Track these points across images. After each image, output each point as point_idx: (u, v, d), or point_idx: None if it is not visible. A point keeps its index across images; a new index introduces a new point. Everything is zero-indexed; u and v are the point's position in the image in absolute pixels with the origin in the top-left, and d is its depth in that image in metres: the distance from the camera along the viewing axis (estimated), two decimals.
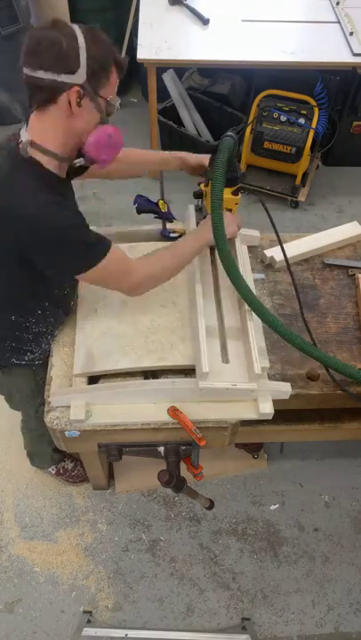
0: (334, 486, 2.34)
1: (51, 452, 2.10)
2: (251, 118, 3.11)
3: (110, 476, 2.30)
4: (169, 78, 3.43)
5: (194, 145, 3.37)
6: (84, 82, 1.13)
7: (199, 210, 1.74)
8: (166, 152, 1.70)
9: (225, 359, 1.50)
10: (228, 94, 3.51)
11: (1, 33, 3.26)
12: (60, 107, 1.16)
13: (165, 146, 3.58)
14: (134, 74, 3.98)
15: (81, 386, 1.49)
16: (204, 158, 1.60)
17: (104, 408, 1.49)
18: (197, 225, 1.70)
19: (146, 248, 1.74)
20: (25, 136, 1.20)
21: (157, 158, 1.70)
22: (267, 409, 1.47)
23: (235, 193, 1.51)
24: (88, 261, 1.27)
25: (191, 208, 1.80)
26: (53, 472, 2.24)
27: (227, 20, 2.96)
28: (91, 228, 1.28)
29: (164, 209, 1.81)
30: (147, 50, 2.78)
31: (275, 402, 1.48)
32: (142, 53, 2.78)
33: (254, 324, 1.50)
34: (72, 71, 1.12)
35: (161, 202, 1.78)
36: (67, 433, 1.48)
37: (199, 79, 3.57)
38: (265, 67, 2.87)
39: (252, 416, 1.49)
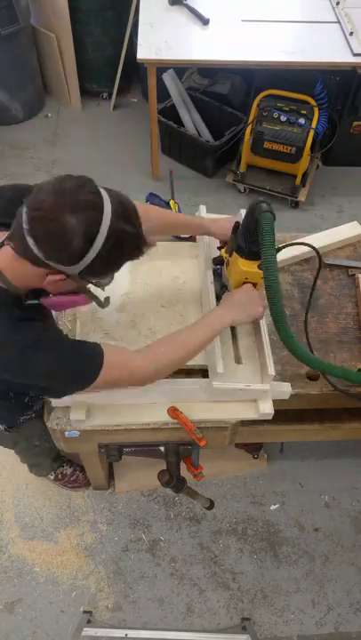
0: (334, 486, 2.34)
1: (50, 461, 2.11)
2: (251, 118, 3.11)
3: (110, 476, 2.30)
4: (169, 78, 3.43)
5: (194, 145, 3.37)
6: (73, 274, 1.02)
7: (218, 276, 1.57)
8: (189, 217, 1.57)
9: (238, 360, 1.50)
10: (228, 94, 3.51)
11: (1, 33, 3.25)
12: (37, 271, 1.03)
13: (165, 146, 3.59)
14: (134, 74, 3.98)
15: None
16: (226, 226, 1.47)
17: (104, 408, 1.49)
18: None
19: (163, 246, 1.74)
20: None
21: (180, 222, 1.56)
22: (267, 409, 1.47)
23: (261, 267, 1.29)
24: (83, 385, 1.19)
25: (203, 208, 1.73)
26: (52, 477, 2.24)
27: (227, 20, 2.96)
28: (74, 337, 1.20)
29: (175, 208, 1.80)
30: (147, 50, 2.78)
31: (275, 402, 1.48)
32: (142, 53, 2.77)
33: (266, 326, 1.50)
34: (66, 264, 1.00)
35: (172, 201, 1.78)
36: (67, 433, 1.48)
37: (199, 79, 3.57)
38: (265, 67, 2.86)
39: (252, 416, 1.49)
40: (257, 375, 1.47)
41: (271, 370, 1.41)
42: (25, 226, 0.97)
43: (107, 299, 1.18)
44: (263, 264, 1.19)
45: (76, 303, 1.17)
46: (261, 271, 1.28)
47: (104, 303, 1.17)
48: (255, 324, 1.53)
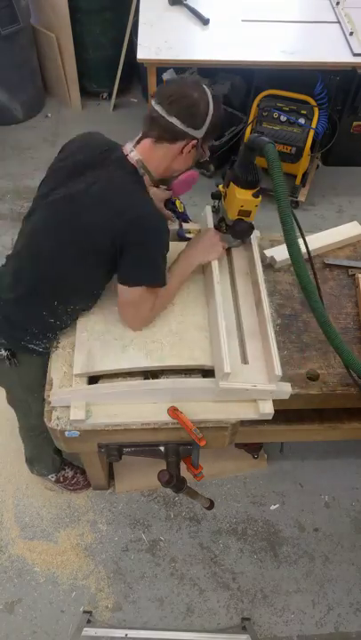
0: (334, 486, 2.34)
1: (52, 454, 2.09)
2: (251, 118, 3.11)
3: (110, 476, 2.30)
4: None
5: None
6: (201, 137, 1.40)
7: (216, 211, 1.73)
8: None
9: (244, 360, 1.50)
10: (228, 94, 3.51)
11: (1, 33, 3.25)
12: (175, 148, 1.41)
13: None
14: (134, 74, 3.98)
15: (81, 386, 1.49)
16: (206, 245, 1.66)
17: (104, 408, 1.49)
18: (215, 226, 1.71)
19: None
20: (135, 154, 1.42)
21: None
22: (267, 409, 1.47)
23: (255, 195, 1.50)
24: (151, 279, 1.45)
25: (208, 209, 1.78)
26: (53, 479, 2.23)
27: (227, 20, 2.96)
28: None
29: (180, 209, 1.82)
30: (147, 50, 2.78)
31: (275, 402, 1.48)
32: (142, 53, 2.77)
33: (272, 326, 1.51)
34: (198, 127, 1.38)
35: (178, 202, 1.78)
36: (67, 433, 1.48)
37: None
38: (265, 67, 2.86)
39: (252, 416, 1.49)
40: (263, 375, 1.47)
41: (278, 370, 1.42)
42: (164, 113, 1.36)
43: (208, 162, 1.61)
44: (275, 190, 1.35)
45: (194, 176, 1.54)
46: (256, 199, 1.51)
47: (209, 168, 1.71)
48: (262, 324, 1.54)
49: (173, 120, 1.36)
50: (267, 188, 1.48)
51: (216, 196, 1.67)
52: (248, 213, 1.56)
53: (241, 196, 1.49)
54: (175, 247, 1.76)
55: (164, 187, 1.54)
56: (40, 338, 1.56)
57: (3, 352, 1.60)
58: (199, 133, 1.39)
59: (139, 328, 1.57)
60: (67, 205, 1.41)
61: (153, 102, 1.39)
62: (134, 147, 1.44)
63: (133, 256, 1.40)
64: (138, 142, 1.44)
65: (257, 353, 1.52)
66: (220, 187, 1.63)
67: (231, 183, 1.52)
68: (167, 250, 1.45)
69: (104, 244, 1.38)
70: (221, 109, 1.43)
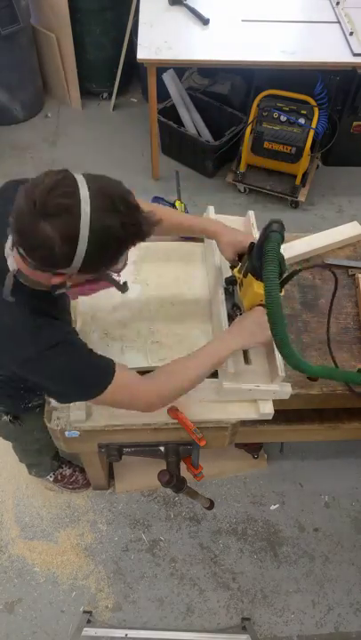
0: (334, 486, 2.34)
1: (50, 459, 2.10)
2: (251, 118, 3.11)
3: (110, 475, 2.30)
4: (169, 78, 3.43)
5: (194, 145, 3.37)
6: (74, 273, 1.00)
7: (230, 294, 1.55)
8: (194, 221, 1.50)
9: (247, 360, 1.50)
10: (228, 94, 3.51)
11: (1, 33, 3.25)
12: (46, 275, 1.03)
13: (165, 146, 3.58)
14: (134, 74, 3.98)
15: None
16: (239, 240, 1.43)
17: (104, 408, 1.48)
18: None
19: (162, 247, 1.74)
20: (12, 262, 1.06)
21: (185, 225, 1.50)
22: (267, 409, 1.47)
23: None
24: (87, 396, 1.23)
25: (210, 209, 1.72)
26: (51, 479, 2.24)
27: (227, 20, 2.96)
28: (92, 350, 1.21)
29: (181, 209, 1.78)
30: (147, 50, 2.78)
31: (275, 402, 1.48)
32: (142, 53, 2.77)
33: None
34: (59, 267, 0.99)
35: (178, 202, 1.75)
36: (67, 433, 1.48)
37: (199, 79, 3.57)
38: (265, 67, 2.86)
39: (253, 416, 1.49)
40: (266, 375, 1.47)
41: (281, 371, 1.42)
42: (14, 237, 0.98)
43: (125, 284, 1.15)
44: (264, 284, 1.15)
45: (97, 290, 1.16)
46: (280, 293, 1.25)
47: (123, 288, 1.15)
48: None
49: (20, 251, 0.98)
50: (286, 278, 1.30)
51: (230, 282, 1.50)
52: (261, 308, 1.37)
53: (261, 290, 1.25)
54: (178, 247, 1.76)
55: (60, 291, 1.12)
56: (36, 396, 1.56)
57: (5, 417, 1.62)
58: (68, 271, 0.99)
59: (151, 411, 1.32)
60: None
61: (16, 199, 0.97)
62: (12, 248, 1.04)
63: (49, 390, 1.28)
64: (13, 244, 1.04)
65: (260, 353, 1.52)
66: (236, 271, 1.45)
67: (249, 275, 1.32)
68: (75, 361, 1.16)
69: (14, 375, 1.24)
70: (113, 227, 0.96)
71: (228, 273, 1.55)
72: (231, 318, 1.50)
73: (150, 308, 1.63)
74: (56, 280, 1.02)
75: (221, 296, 1.54)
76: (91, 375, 1.19)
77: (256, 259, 1.25)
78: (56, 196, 0.92)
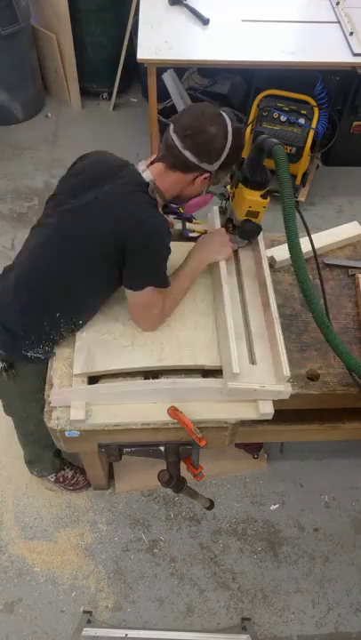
0: (334, 486, 2.34)
1: (51, 456, 2.09)
2: (251, 118, 3.11)
3: (110, 476, 2.30)
4: (169, 78, 3.42)
5: None
6: (214, 170, 1.41)
7: (223, 211, 1.73)
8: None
9: (252, 360, 1.50)
10: (228, 94, 3.51)
11: (1, 33, 3.25)
12: (187, 177, 1.42)
13: None
14: (134, 74, 3.98)
15: (81, 386, 1.49)
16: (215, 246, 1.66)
17: (104, 408, 1.49)
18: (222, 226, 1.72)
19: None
20: (148, 174, 1.43)
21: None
22: (267, 409, 1.47)
23: (263, 196, 1.50)
24: (156, 280, 1.46)
25: (215, 209, 1.78)
26: (52, 480, 2.23)
27: (227, 20, 2.96)
28: None
29: (182, 209, 1.81)
30: (147, 50, 2.78)
31: (275, 402, 1.49)
32: (142, 53, 2.77)
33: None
34: (212, 162, 1.39)
35: None
36: (67, 433, 1.48)
37: (199, 79, 3.57)
38: (265, 67, 2.86)
39: (253, 416, 1.49)
40: (270, 375, 1.47)
41: (286, 371, 1.42)
42: (179, 145, 1.36)
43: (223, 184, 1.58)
44: (282, 196, 1.37)
45: (207, 201, 1.56)
46: (265, 200, 1.51)
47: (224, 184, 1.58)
48: (269, 325, 1.54)
49: (187, 154, 1.37)
50: (272, 189, 1.49)
51: (223, 196, 1.66)
52: (256, 214, 1.56)
53: (250, 197, 1.50)
54: (180, 247, 1.76)
55: (176, 206, 1.58)
56: (39, 346, 1.55)
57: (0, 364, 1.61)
58: (213, 167, 1.40)
59: (152, 329, 1.58)
60: (73, 216, 1.43)
61: (170, 129, 1.39)
62: (147, 167, 1.45)
63: (137, 259, 1.41)
64: (152, 163, 1.45)
65: (264, 353, 1.52)
66: (228, 187, 1.62)
67: (240, 184, 1.51)
68: (169, 253, 1.45)
69: (107, 249, 1.39)
70: (242, 140, 1.44)
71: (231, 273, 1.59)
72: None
73: None
74: (200, 179, 1.42)
75: (217, 211, 1.76)
76: (164, 269, 1.48)
77: (247, 169, 1.48)
78: (212, 108, 1.40)
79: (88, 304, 1.56)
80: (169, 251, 1.45)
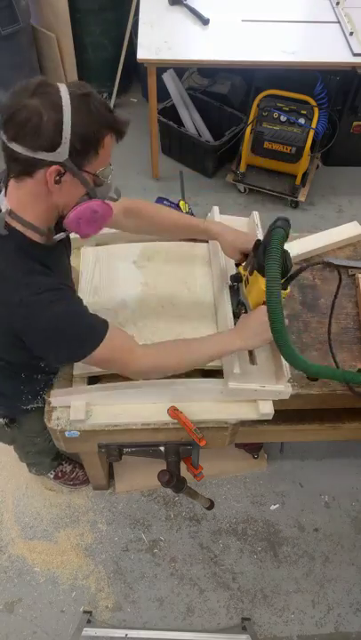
0: (334, 486, 2.34)
1: (50, 460, 2.10)
2: (251, 118, 3.11)
3: (110, 475, 2.30)
4: (169, 78, 3.43)
5: (194, 145, 3.37)
6: (65, 160, 1.01)
7: (235, 292, 1.56)
8: (200, 221, 1.51)
9: (252, 361, 1.50)
10: (228, 94, 3.51)
11: (1, 33, 3.25)
12: (37, 181, 1.04)
13: (165, 146, 3.58)
14: (134, 74, 3.98)
15: (81, 386, 1.49)
16: (242, 241, 1.45)
17: (104, 408, 1.49)
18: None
19: (164, 247, 1.74)
20: (4, 204, 1.10)
21: (183, 225, 1.51)
22: (267, 409, 1.47)
23: (283, 287, 1.25)
24: (79, 353, 1.21)
25: (215, 209, 1.74)
26: (52, 476, 2.24)
27: (227, 20, 2.96)
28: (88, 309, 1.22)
29: (185, 209, 1.78)
30: (147, 50, 2.78)
31: (275, 402, 1.49)
32: (142, 53, 2.77)
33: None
34: (51, 148, 0.99)
35: (182, 202, 1.74)
36: (67, 433, 1.48)
37: (199, 79, 3.57)
38: (265, 67, 2.86)
39: (253, 416, 1.49)
40: (271, 376, 1.47)
41: (287, 371, 1.42)
42: (4, 137, 1.00)
43: (116, 189, 1.16)
44: (266, 279, 1.17)
45: (94, 210, 1.12)
46: (284, 291, 1.27)
47: (116, 195, 1.16)
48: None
49: (13, 146, 1.00)
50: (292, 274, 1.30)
51: (236, 278, 1.51)
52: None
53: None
54: (180, 247, 1.76)
55: (63, 235, 1.18)
56: (35, 399, 1.54)
57: (1, 420, 1.61)
58: (59, 155, 1.00)
59: (140, 379, 1.39)
60: None
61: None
62: (4, 196, 1.11)
63: (41, 346, 1.19)
64: (6, 186, 1.11)
65: (265, 354, 1.52)
66: (241, 268, 1.46)
67: (255, 272, 1.33)
68: (68, 315, 1.15)
69: (7, 333, 1.17)
70: (94, 106, 1.01)
71: (233, 272, 1.56)
72: (236, 316, 1.49)
73: (151, 307, 1.63)
74: (51, 171, 1.01)
75: (226, 295, 1.54)
76: (86, 328, 1.19)
77: (262, 256, 1.25)
78: (36, 78, 1.02)
79: (40, 366, 1.41)
80: (69, 308, 1.16)
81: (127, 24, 3.44)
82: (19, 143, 0.99)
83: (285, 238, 1.19)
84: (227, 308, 1.51)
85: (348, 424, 1.76)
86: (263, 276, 1.26)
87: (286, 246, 1.29)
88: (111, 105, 4.31)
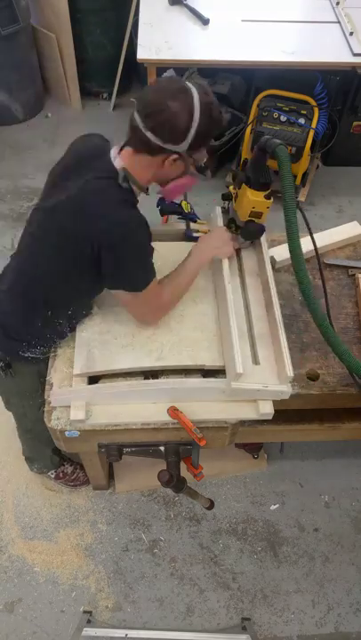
0: (334, 486, 2.34)
1: (50, 453, 2.09)
2: (251, 118, 3.11)
3: (110, 476, 2.30)
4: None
5: None
6: (183, 151, 1.30)
7: (226, 212, 1.72)
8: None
9: (255, 360, 1.50)
10: (228, 94, 3.50)
11: (1, 33, 3.25)
12: (155, 160, 1.32)
13: None
14: (134, 74, 3.98)
15: (81, 386, 1.49)
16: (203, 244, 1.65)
17: (104, 408, 1.49)
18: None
19: (169, 247, 1.74)
20: (118, 161, 1.35)
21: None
22: (267, 409, 1.47)
23: (267, 197, 1.49)
24: (139, 282, 1.41)
25: (218, 209, 1.78)
26: (53, 476, 2.24)
27: (227, 20, 2.96)
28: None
29: (187, 209, 1.81)
30: (147, 50, 2.78)
31: (275, 402, 1.49)
32: (142, 53, 2.77)
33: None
34: (177, 142, 1.27)
35: (184, 202, 1.77)
36: (67, 433, 1.48)
37: (199, 79, 3.56)
38: (265, 67, 2.86)
39: (253, 416, 1.49)
40: (273, 376, 1.47)
41: (290, 371, 1.42)
42: (141, 125, 1.25)
43: (205, 167, 1.47)
44: (283, 194, 1.35)
45: (187, 183, 1.44)
46: (268, 200, 1.49)
47: (206, 174, 1.49)
48: (273, 325, 1.54)
49: (149, 135, 1.26)
50: (275, 190, 1.47)
51: (226, 196, 1.65)
52: (259, 215, 1.55)
53: (253, 198, 1.49)
54: (183, 247, 1.76)
55: (157, 192, 1.49)
56: (37, 346, 1.56)
57: None
58: (180, 148, 1.29)
59: (153, 323, 1.57)
60: (51, 216, 1.40)
61: (134, 109, 1.29)
62: (118, 153, 1.37)
63: (117, 262, 1.36)
64: (122, 149, 1.37)
65: (267, 354, 1.52)
66: (231, 187, 1.61)
67: (243, 185, 1.50)
68: (148, 249, 1.40)
69: (84, 251, 1.34)
70: (214, 115, 1.29)
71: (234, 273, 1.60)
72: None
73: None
74: (169, 161, 1.30)
75: (219, 211, 1.74)
76: (149, 266, 1.42)
77: (251, 170, 1.46)
78: (176, 82, 1.29)
79: (78, 303, 1.54)
80: (148, 247, 1.40)
81: (127, 24, 3.44)
82: (155, 134, 1.25)
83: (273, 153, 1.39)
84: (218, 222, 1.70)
85: (347, 424, 1.76)
86: (250, 187, 1.47)
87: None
88: (111, 105, 4.30)
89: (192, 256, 1.61)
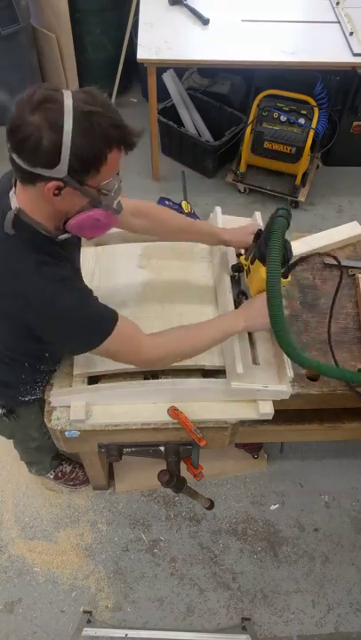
0: (334, 486, 2.34)
1: (50, 459, 2.10)
2: (251, 118, 3.11)
3: (110, 476, 2.30)
4: (169, 78, 3.43)
5: (194, 145, 3.37)
6: (64, 176, 1.01)
7: (236, 282, 1.60)
8: (202, 225, 1.55)
9: (255, 361, 1.50)
10: (228, 94, 3.51)
11: (1, 33, 3.25)
12: (39, 189, 1.04)
13: (165, 146, 3.58)
14: (134, 74, 3.98)
15: (81, 386, 1.49)
16: (243, 237, 1.51)
17: (104, 408, 1.49)
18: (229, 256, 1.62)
19: (167, 245, 1.74)
20: (14, 201, 1.11)
21: (194, 229, 1.55)
22: (267, 409, 1.47)
23: (284, 275, 1.31)
24: (89, 343, 1.22)
25: (218, 209, 1.76)
26: (52, 477, 2.24)
27: (227, 20, 2.96)
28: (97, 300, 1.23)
29: (187, 210, 1.79)
30: (147, 50, 2.78)
31: (275, 402, 1.49)
32: (142, 53, 2.77)
33: None
34: (49, 166, 0.99)
35: (184, 203, 1.75)
36: (67, 433, 1.48)
37: (199, 79, 3.57)
38: (265, 67, 2.86)
39: (252, 416, 1.49)
40: (274, 376, 1.47)
41: (289, 371, 1.42)
42: (7, 146, 1.01)
43: (118, 203, 1.15)
44: (267, 265, 1.20)
45: (96, 219, 1.12)
46: (284, 279, 1.30)
47: (117, 209, 1.15)
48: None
49: (15, 157, 1.01)
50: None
51: (237, 268, 1.54)
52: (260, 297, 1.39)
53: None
54: (181, 245, 1.76)
55: (68, 235, 1.17)
56: (33, 390, 1.54)
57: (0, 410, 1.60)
58: (57, 173, 1.00)
59: (153, 360, 1.35)
60: None
61: None
62: (14, 194, 1.12)
63: (51, 334, 1.23)
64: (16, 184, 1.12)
65: (267, 354, 1.52)
66: (242, 258, 1.50)
67: (257, 261, 1.36)
68: (83, 304, 1.18)
69: (19, 328, 1.21)
70: (98, 125, 0.98)
71: (234, 262, 1.57)
72: (237, 306, 1.51)
73: (151, 307, 1.63)
74: (50, 187, 1.02)
75: (228, 283, 1.56)
76: (96, 319, 1.20)
77: (263, 245, 1.27)
78: (41, 90, 0.99)
79: (51, 350, 1.44)
80: (82, 300, 1.18)
81: (127, 24, 3.44)
82: (19, 156, 1.00)
83: (287, 227, 1.22)
84: (228, 296, 1.52)
85: (347, 424, 1.76)
86: (264, 264, 1.27)
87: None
88: None
89: (225, 316, 1.45)
